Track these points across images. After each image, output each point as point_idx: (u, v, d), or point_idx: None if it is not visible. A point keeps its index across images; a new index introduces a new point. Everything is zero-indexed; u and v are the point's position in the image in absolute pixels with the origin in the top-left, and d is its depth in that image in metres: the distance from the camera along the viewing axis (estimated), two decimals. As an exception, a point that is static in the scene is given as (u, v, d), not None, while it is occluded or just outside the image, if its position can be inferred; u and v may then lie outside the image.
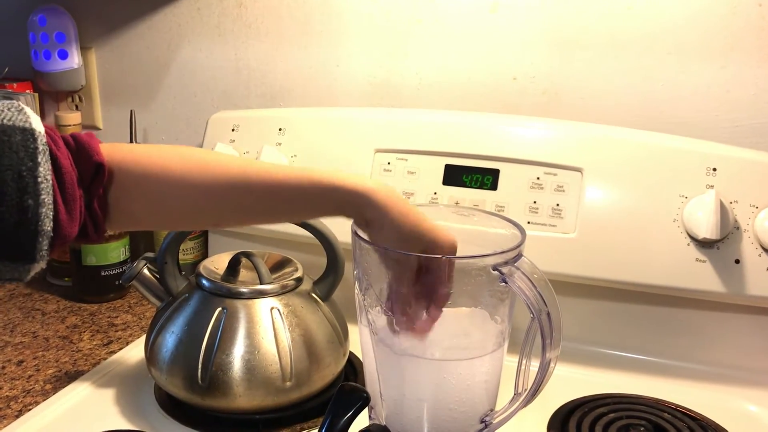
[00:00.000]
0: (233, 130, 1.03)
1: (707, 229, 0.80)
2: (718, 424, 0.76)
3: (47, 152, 0.54)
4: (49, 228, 0.54)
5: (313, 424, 0.76)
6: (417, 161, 0.94)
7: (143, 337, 0.87)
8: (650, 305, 0.88)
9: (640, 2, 0.91)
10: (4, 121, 0.52)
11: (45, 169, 0.53)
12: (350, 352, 0.83)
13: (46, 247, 0.54)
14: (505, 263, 0.59)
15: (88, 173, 0.58)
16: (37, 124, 0.54)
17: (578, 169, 0.88)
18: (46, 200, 0.53)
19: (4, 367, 0.88)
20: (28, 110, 0.55)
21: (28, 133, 0.53)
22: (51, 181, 0.54)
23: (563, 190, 0.88)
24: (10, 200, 0.51)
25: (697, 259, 0.82)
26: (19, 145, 0.52)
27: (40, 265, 0.55)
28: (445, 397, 0.63)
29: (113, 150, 0.61)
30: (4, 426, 0.75)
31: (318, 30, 1.06)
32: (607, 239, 0.85)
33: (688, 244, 0.83)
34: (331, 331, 0.78)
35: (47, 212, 0.53)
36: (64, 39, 1.18)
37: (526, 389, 0.61)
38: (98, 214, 0.60)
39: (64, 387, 0.83)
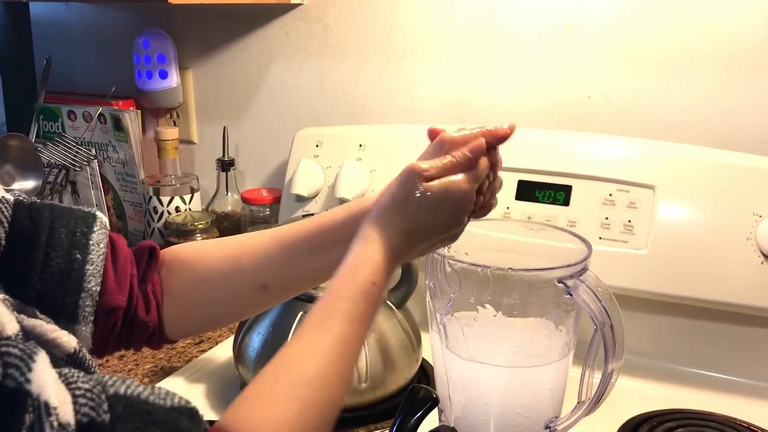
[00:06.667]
0: (317, 146, 1.10)
1: (781, 248, 0.80)
2: (790, 445, 0.76)
3: (104, 226, 0.57)
4: (93, 287, 0.54)
5: (386, 424, 0.80)
6: (491, 177, 0.97)
7: (231, 338, 0.94)
8: (722, 322, 0.88)
9: (714, 22, 0.91)
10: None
11: (99, 236, 0.56)
12: (423, 359, 0.87)
13: (89, 308, 0.54)
14: (570, 276, 0.62)
15: (143, 257, 0.62)
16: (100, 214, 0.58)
17: (650, 186, 0.89)
18: (94, 259, 0.55)
19: (107, 361, 0.97)
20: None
21: (89, 214, 0.57)
22: (104, 248, 0.56)
23: (635, 207, 0.89)
24: (60, 249, 0.54)
25: (771, 278, 0.82)
26: (78, 217, 0.56)
27: (85, 331, 0.54)
28: (510, 402, 0.66)
29: (167, 248, 0.65)
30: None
31: (398, 51, 1.11)
32: (679, 256, 0.86)
33: (762, 263, 0.82)
34: (404, 337, 0.83)
35: (93, 271, 0.55)
36: (164, 60, 1.27)
37: (589, 398, 0.63)
38: (151, 299, 0.61)
39: (159, 381, 0.91)
